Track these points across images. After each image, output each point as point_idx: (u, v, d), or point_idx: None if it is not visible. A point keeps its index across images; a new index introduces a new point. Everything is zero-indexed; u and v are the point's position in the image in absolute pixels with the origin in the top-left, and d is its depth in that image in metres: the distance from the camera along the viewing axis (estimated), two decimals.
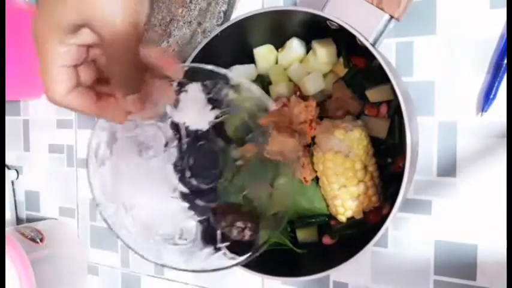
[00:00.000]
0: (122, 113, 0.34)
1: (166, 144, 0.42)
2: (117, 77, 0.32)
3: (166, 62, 0.35)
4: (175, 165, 0.43)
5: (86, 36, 0.31)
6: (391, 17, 0.43)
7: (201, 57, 0.47)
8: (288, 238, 0.50)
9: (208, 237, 0.41)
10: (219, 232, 0.41)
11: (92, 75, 0.34)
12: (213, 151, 0.44)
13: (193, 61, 0.47)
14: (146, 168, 0.42)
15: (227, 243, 0.41)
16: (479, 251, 0.47)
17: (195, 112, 0.41)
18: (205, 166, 0.44)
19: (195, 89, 0.40)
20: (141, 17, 0.30)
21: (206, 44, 0.47)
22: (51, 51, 0.31)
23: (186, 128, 0.42)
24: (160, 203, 0.42)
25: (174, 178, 0.43)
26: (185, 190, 0.43)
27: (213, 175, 0.44)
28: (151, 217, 0.41)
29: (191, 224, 0.42)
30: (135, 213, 0.40)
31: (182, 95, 0.40)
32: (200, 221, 0.42)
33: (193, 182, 0.43)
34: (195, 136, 0.42)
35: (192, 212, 0.43)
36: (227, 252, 0.40)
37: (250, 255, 0.39)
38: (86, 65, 0.34)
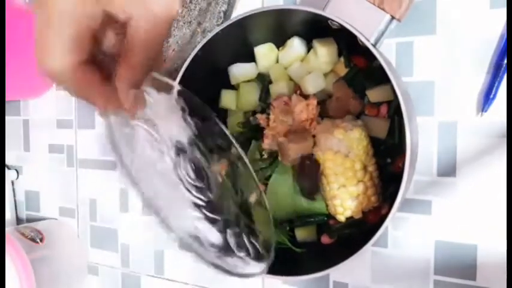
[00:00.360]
0: (116, 104, 0.30)
1: (162, 151, 0.41)
2: (134, 63, 0.28)
3: None
4: (177, 175, 0.42)
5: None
6: (392, 17, 0.43)
7: (201, 55, 0.47)
8: (287, 237, 0.50)
9: (226, 246, 0.40)
10: (231, 240, 0.41)
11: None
12: (196, 164, 0.44)
13: (193, 60, 0.47)
14: (159, 174, 0.41)
15: (243, 251, 0.40)
16: (479, 251, 0.47)
17: (173, 123, 0.41)
18: (197, 178, 0.44)
19: (168, 99, 0.40)
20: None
21: (206, 42, 0.47)
22: (74, 9, 0.26)
23: (171, 139, 0.41)
24: (180, 211, 0.41)
25: (181, 187, 0.42)
26: (194, 200, 0.42)
27: (204, 187, 0.44)
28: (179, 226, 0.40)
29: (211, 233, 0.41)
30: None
31: (154, 102, 0.39)
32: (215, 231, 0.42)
33: (194, 192, 0.43)
34: (178, 148, 0.42)
35: (206, 222, 0.42)
36: (248, 259, 0.39)
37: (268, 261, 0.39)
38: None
